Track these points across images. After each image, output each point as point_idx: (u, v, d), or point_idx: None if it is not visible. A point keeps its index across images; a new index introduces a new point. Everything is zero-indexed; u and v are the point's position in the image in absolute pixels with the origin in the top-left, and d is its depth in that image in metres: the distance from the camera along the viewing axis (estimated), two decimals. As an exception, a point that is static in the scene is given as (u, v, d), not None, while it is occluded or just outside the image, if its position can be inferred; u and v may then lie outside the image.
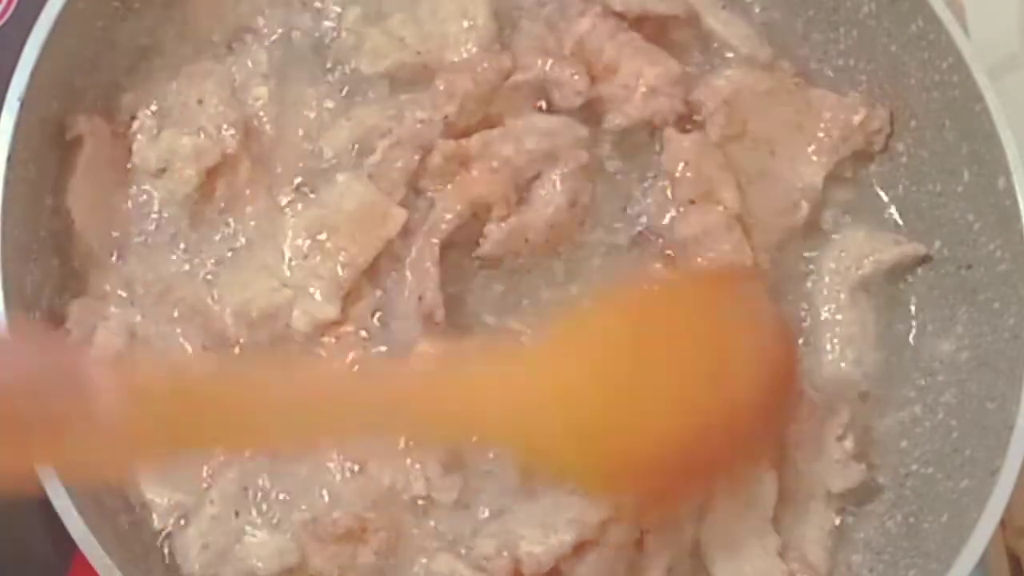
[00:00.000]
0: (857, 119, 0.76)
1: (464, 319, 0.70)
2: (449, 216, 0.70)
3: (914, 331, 0.75)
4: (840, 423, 0.70)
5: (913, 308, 0.75)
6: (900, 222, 0.77)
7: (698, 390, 0.56)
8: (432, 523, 0.66)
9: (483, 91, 0.72)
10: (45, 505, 0.58)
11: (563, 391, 0.54)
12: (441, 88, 0.72)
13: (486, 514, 0.66)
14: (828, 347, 0.73)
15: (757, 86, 0.76)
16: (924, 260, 0.75)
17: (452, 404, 0.53)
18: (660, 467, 0.56)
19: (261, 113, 0.73)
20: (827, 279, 0.74)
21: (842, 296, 0.74)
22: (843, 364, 0.73)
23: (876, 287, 0.75)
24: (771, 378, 0.60)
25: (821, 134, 0.77)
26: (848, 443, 0.70)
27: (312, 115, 0.74)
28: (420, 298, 0.68)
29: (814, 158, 0.76)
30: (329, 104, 0.74)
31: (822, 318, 0.74)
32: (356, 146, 0.72)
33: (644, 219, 0.74)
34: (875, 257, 0.74)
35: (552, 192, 0.71)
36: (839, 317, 0.73)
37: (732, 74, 0.76)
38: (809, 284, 0.75)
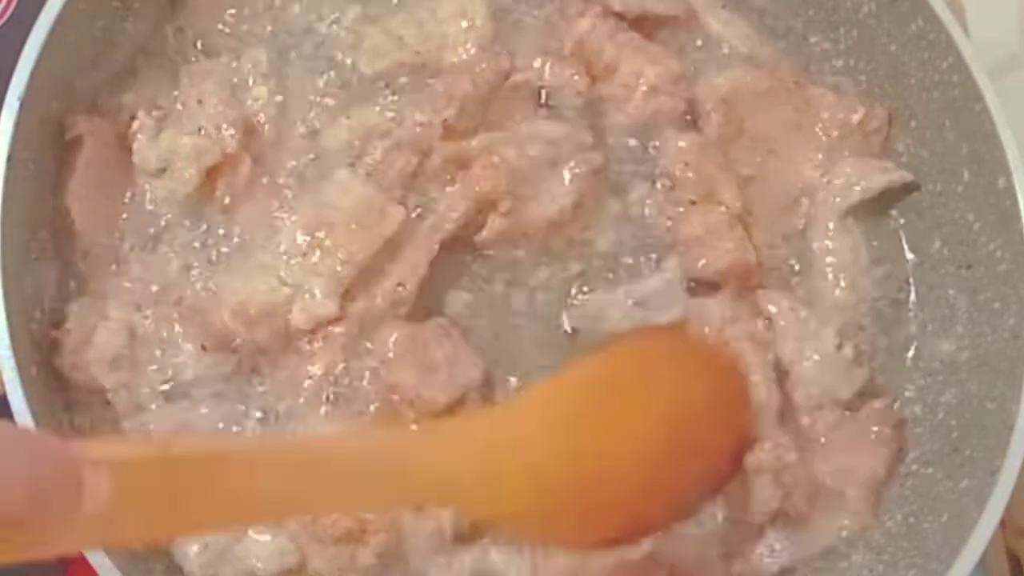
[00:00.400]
0: (856, 118, 0.76)
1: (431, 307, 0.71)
2: (455, 215, 0.70)
3: (921, 333, 0.75)
4: (832, 333, 0.71)
5: (915, 308, 0.75)
6: (901, 222, 0.77)
7: (658, 448, 0.57)
8: (430, 524, 0.66)
9: (482, 92, 0.72)
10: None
11: (530, 453, 0.55)
12: (440, 91, 0.72)
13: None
14: (822, 275, 0.74)
15: (756, 85, 0.76)
16: (912, 189, 0.75)
17: (420, 468, 0.53)
18: (621, 519, 0.57)
19: (260, 113, 0.73)
20: (818, 209, 0.75)
21: (832, 224, 0.74)
22: (837, 291, 0.74)
23: (865, 215, 0.76)
24: (727, 425, 0.62)
25: (820, 133, 0.77)
26: (847, 350, 0.71)
27: (312, 114, 0.74)
28: (399, 285, 0.68)
29: (812, 157, 0.76)
30: (329, 103, 0.74)
31: (815, 247, 0.75)
32: (356, 145, 0.72)
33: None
34: (864, 184, 0.75)
35: (560, 191, 0.71)
36: (830, 245, 0.74)
37: (731, 73, 0.77)
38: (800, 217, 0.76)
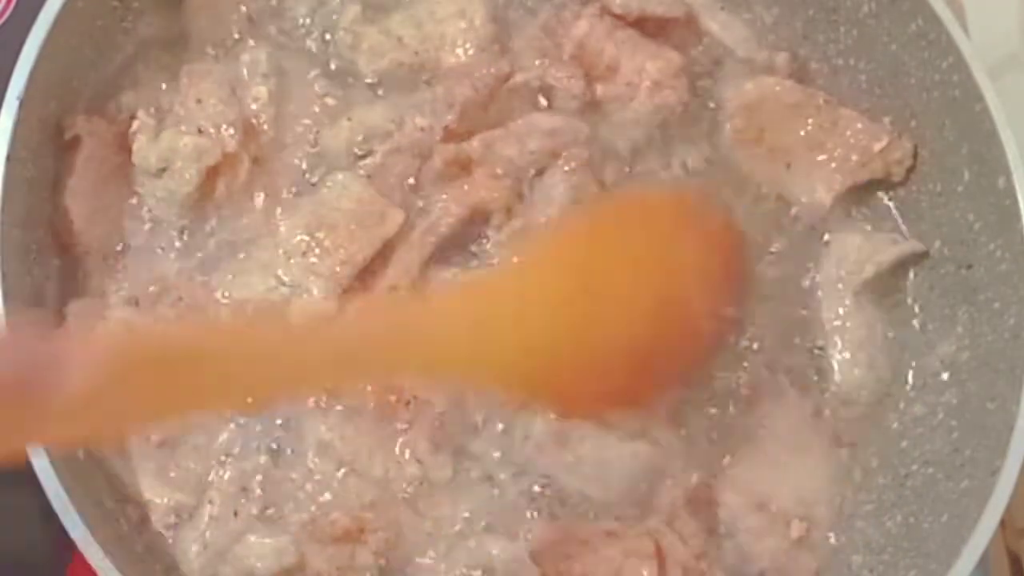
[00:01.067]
0: (878, 146, 0.75)
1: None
2: (449, 220, 0.70)
3: (922, 333, 0.75)
4: None
5: (916, 308, 0.75)
6: (900, 222, 0.77)
7: (648, 308, 0.58)
8: (429, 524, 0.66)
9: (483, 96, 0.72)
10: (44, 505, 0.58)
11: (519, 313, 0.56)
12: (441, 95, 0.72)
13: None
14: (839, 354, 0.73)
15: (784, 97, 0.76)
16: (923, 257, 0.75)
17: (417, 336, 0.54)
18: (613, 383, 0.58)
19: (260, 113, 0.73)
20: (830, 287, 0.74)
21: (847, 301, 0.73)
22: (856, 370, 0.73)
23: (878, 289, 0.75)
24: (720, 287, 0.62)
25: (840, 155, 0.76)
26: None
27: (311, 114, 0.74)
28: (392, 288, 0.69)
29: (829, 177, 0.75)
30: (330, 102, 0.74)
31: (830, 326, 0.73)
32: (355, 147, 0.72)
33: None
34: (875, 259, 0.74)
35: (555, 191, 0.71)
36: (847, 324, 0.73)
37: (761, 81, 0.76)
38: (818, 293, 0.74)
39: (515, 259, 0.63)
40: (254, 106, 0.73)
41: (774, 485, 0.70)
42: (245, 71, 0.74)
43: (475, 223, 0.71)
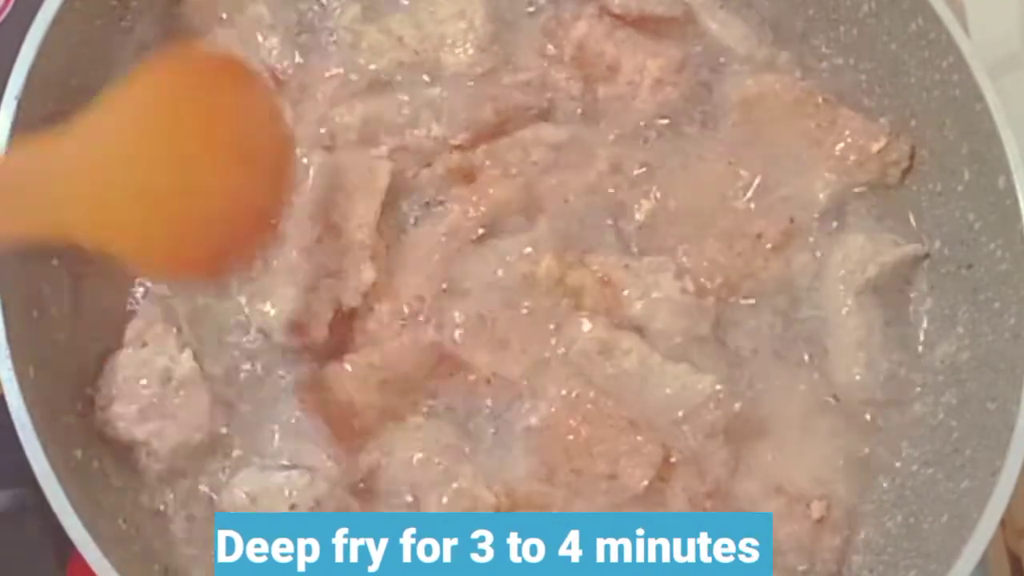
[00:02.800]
0: (876, 147, 0.75)
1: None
2: (470, 224, 0.70)
3: (921, 332, 0.75)
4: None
5: (916, 308, 0.75)
6: (900, 221, 0.77)
7: (229, 155, 0.59)
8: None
9: (500, 120, 0.72)
10: (43, 505, 0.58)
11: (111, 162, 0.56)
12: (460, 115, 0.72)
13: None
14: (840, 354, 0.73)
15: (784, 94, 0.76)
16: (923, 257, 0.75)
17: (33, 195, 0.53)
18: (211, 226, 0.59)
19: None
20: (832, 287, 0.74)
21: (849, 301, 0.73)
22: (856, 369, 0.72)
23: (880, 290, 0.75)
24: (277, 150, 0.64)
25: (838, 154, 0.76)
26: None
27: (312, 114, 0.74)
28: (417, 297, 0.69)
29: (825, 176, 0.76)
30: (340, 94, 0.74)
31: (831, 325, 0.73)
32: (363, 130, 0.72)
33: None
34: (878, 260, 0.74)
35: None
36: (848, 323, 0.73)
37: (761, 78, 0.77)
38: (816, 291, 0.74)
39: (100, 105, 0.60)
40: (253, 105, 0.73)
41: (789, 467, 0.70)
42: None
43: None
